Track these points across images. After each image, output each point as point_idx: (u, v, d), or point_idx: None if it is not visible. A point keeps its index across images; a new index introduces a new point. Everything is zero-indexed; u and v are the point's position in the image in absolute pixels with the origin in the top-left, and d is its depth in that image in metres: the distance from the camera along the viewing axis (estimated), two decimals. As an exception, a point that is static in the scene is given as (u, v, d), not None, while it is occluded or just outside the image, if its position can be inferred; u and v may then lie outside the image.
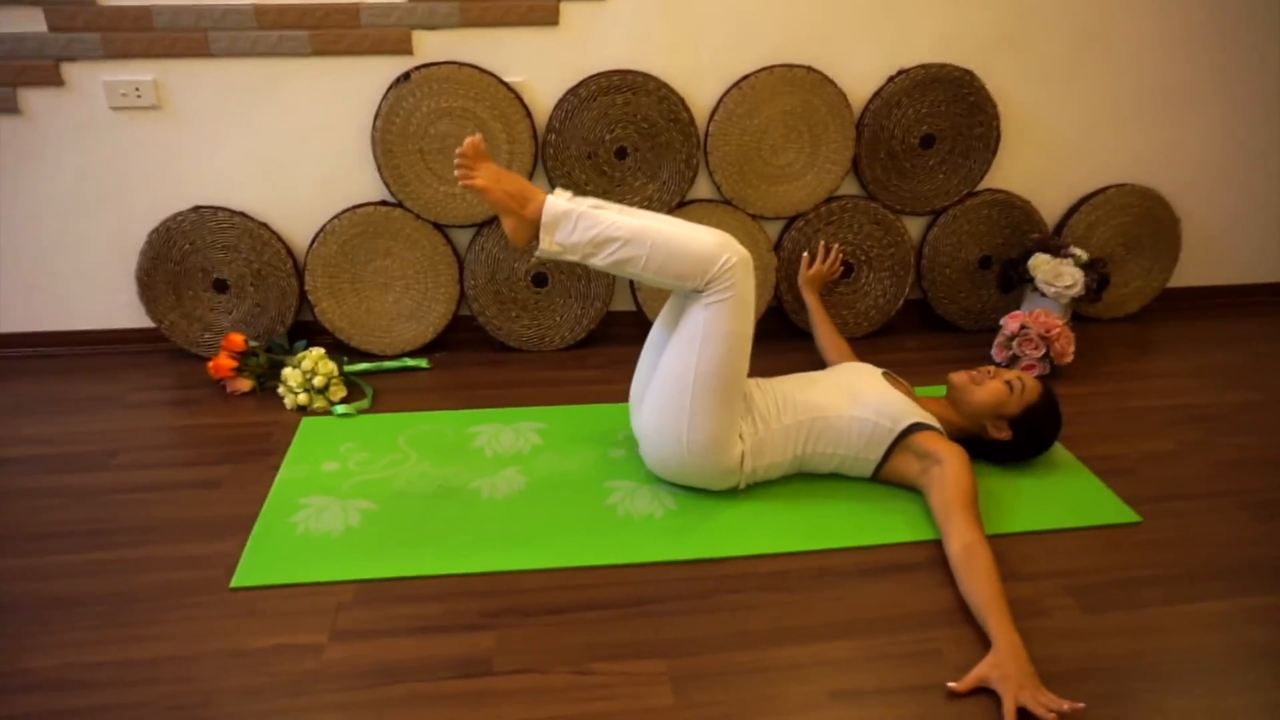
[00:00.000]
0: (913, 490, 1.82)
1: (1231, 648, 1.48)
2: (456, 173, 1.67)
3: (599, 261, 1.67)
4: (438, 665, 1.41)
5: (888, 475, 1.82)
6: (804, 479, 1.87)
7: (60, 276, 2.32)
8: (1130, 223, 2.57)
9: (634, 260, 1.65)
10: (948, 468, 1.70)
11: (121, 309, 2.36)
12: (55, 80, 2.13)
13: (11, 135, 2.17)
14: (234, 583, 1.57)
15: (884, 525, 1.74)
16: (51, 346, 2.38)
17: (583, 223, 1.65)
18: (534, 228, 1.68)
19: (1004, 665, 1.37)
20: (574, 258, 1.67)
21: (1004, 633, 1.42)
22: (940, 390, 1.98)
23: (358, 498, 1.80)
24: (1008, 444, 1.86)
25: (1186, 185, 2.60)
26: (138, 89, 2.16)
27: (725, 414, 1.73)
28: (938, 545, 1.69)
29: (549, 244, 1.67)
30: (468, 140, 1.69)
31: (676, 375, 1.71)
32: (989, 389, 1.85)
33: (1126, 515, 1.79)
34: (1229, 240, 2.71)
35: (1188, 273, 2.73)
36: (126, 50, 2.12)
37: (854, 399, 1.81)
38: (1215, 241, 2.71)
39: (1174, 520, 1.79)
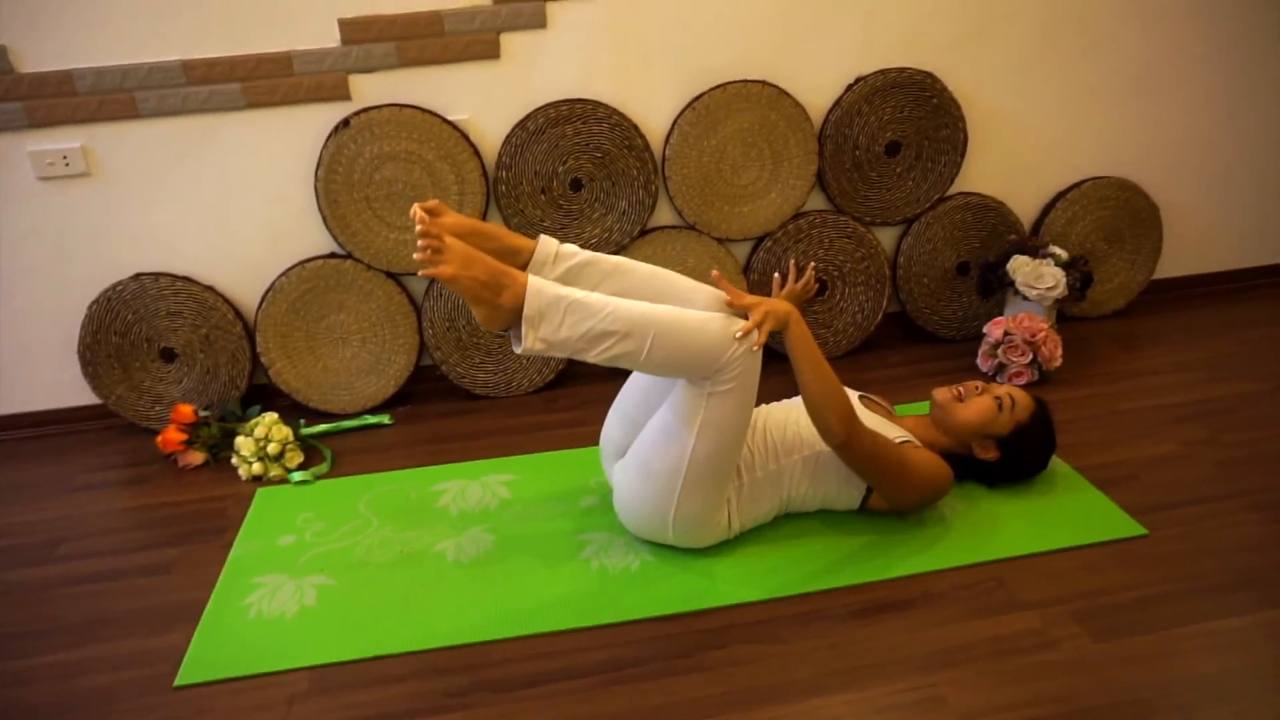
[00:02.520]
0: (902, 515, 1.72)
1: (1260, 666, 1.37)
2: (418, 255, 1.39)
3: (591, 358, 1.46)
4: (399, 758, 1.30)
5: (876, 504, 1.71)
6: (787, 518, 1.75)
7: (1, 357, 2.21)
8: (1109, 216, 2.48)
9: (631, 355, 1.45)
10: (914, 451, 1.64)
11: (66, 386, 2.25)
12: (-22, 154, 2.04)
13: (-63, 215, 2.07)
14: (179, 680, 1.46)
15: (873, 561, 1.63)
16: (-6, 432, 2.28)
17: (571, 316, 1.43)
18: (511, 315, 1.44)
19: (777, 304, 1.52)
20: (561, 354, 1.47)
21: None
22: (925, 407, 1.88)
23: (314, 573, 1.69)
24: (997, 465, 1.76)
25: (1163, 173, 2.51)
26: (65, 157, 2.06)
27: (716, 495, 1.61)
28: (932, 578, 1.58)
29: (532, 341, 1.42)
30: (418, 208, 1.42)
31: (667, 457, 1.55)
32: (975, 407, 1.74)
33: (1132, 528, 1.68)
34: (1212, 225, 2.63)
35: (1173, 263, 2.64)
36: (51, 118, 2.03)
37: None
38: (1198, 228, 2.62)
39: (1184, 529, 1.68)
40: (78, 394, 2.26)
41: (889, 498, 1.66)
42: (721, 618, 1.53)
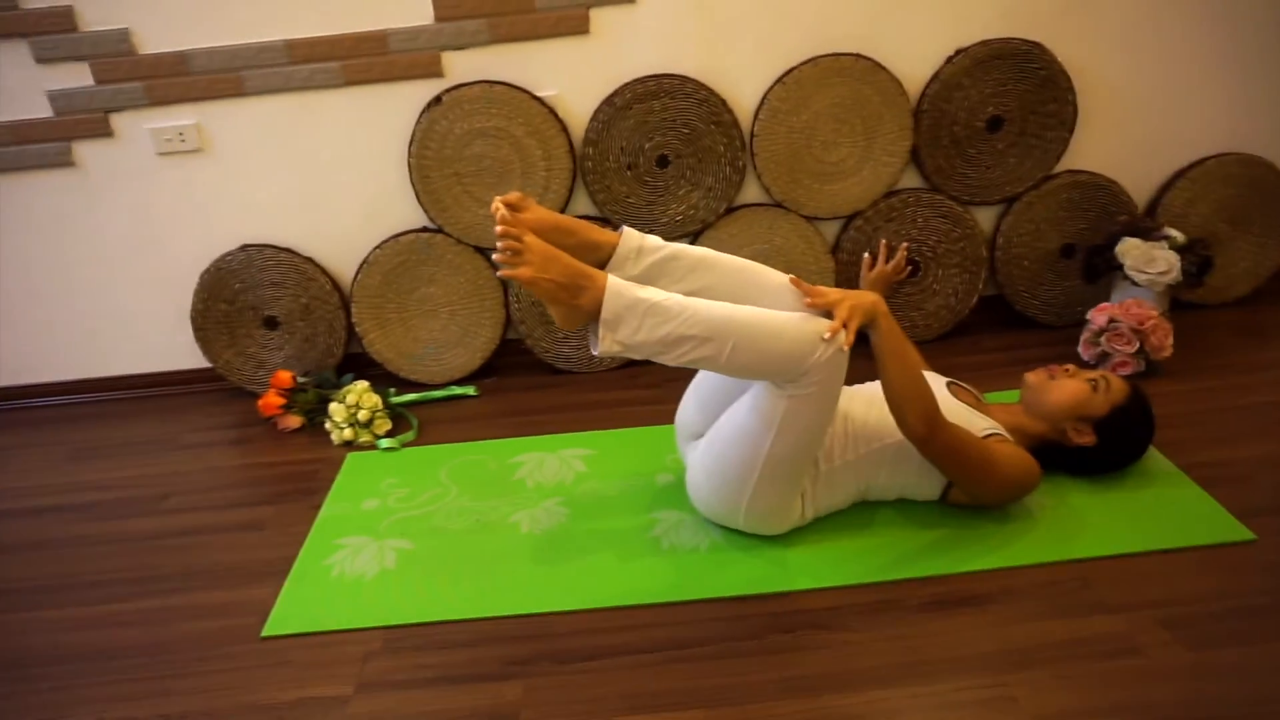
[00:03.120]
0: (985, 509, 1.65)
1: (1369, 690, 1.27)
2: (498, 256, 1.38)
3: (669, 361, 1.44)
4: (462, 720, 1.34)
5: (957, 497, 1.65)
6: (864, 506, 1.71)
7: (120, 321, 2.37)
8: (1235, 195, 2.30)
9: (711, 359, 1.42)
10: (1000, 446, 1.57)
11: (180, 349, 2.39)
12: (105, 131, 2.17)
13: (68, 188, 2.22)
14: (265, 631, 1.54)
15: (951, 553, 1.58)
16: (114, 391, 2.44)
17: (650, 319, 1.39)
18: (589, 316, 1.42)
19: (862, 297, 1.47)
20: (639, 356, 1.45)
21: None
22: (1017, 395, 1.79)
23: (395, 537, 1.75)
24: (1093, 451, 1.67)
25: (1299, 149, 2.32)
26: (181, 133, 2.18)
27: (791, 489, 1.59)
28: (1011, 574, 1.52)
29: (609, 344, 1.40)
30: (499, 202, 1.40)
31: (742, 453, 1.53)
32: (1068, 388, 1.67)
33: (1238, 532, 1.57)
34: (1355, 208, 2.40)
35: (1308, 247, 2.43)
36: (167, 96, 2.15)
37: None
38: (1339, 210, 2.40)
39: (1296, 536, 1.56)
40: (190, 357, 2.40)
41: (970, 494, 1.61)
42: (789, 603, 1.51)
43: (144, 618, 1.61)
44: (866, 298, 1.48)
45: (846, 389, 1.72)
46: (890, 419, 1.59)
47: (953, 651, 1.38)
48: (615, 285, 1.40)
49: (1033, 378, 1.72)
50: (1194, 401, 1.98)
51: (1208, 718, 1.24)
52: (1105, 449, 1.68)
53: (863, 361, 1.70)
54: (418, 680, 1.42)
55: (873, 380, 1.76)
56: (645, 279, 1.49)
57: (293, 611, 1.58)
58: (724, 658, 1.41)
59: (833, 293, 1.49)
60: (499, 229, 1.37)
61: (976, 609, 1.46)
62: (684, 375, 1.82)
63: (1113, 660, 1.34)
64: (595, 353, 1.42)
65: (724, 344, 1.40)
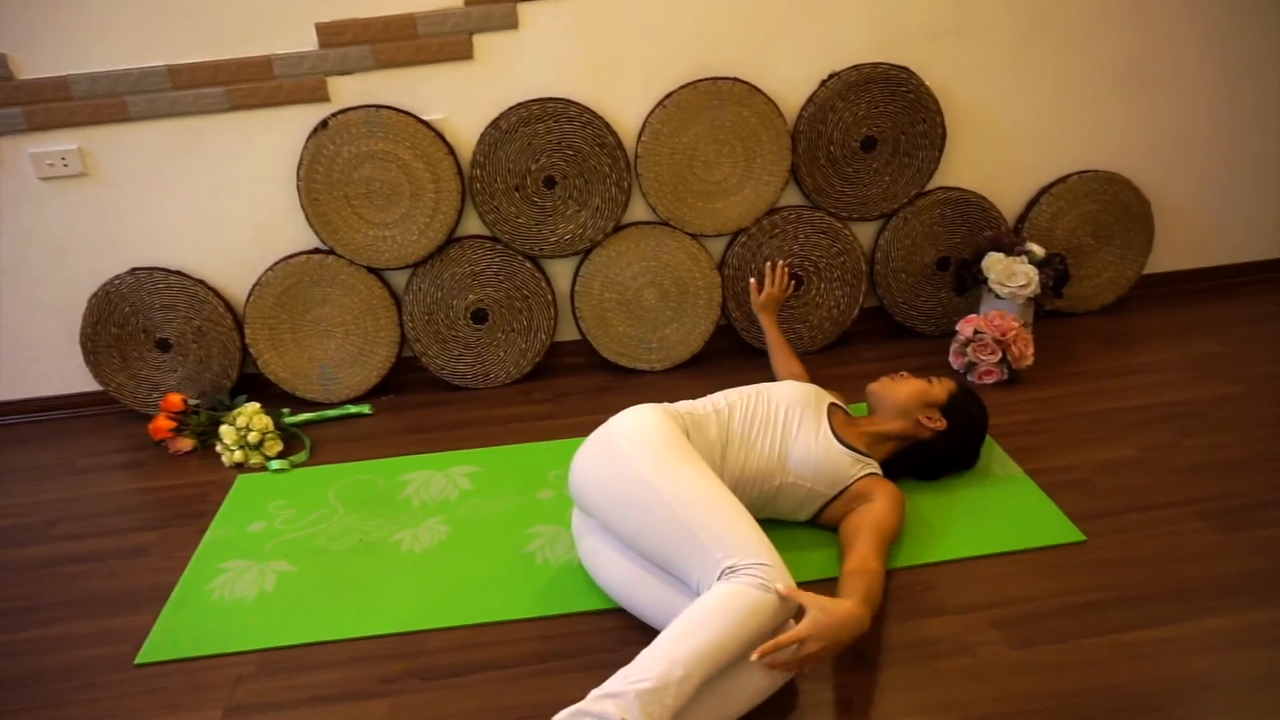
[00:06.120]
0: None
1: (1173, 679, 1.38)
2: None
3: None
4: (326, 739, 1.39)
5: (827, 519, 1.72)
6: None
7: (10, 345, 2.35)
8: (1097, 210, 2.44)
9: None
10: (876, 503, 1.64)
11: (71, 374, 2.38)
12: (-16, 156, 2.16)
13: (-52, 213, 2.20)
14: (139, 659, 1.56)
15: (806, 565, 1.65)
16: (4, 416, 2.42)
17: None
18: None
19: (826, 625, 1.29)
20: None
21: (856, 603, 1.36)
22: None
23: (277, 559, 1.78)
24: (945, 435, 1.77)
25: (1154, 167, 2.45)
26: (64, 158, 2.18)
27: None
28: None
29: None
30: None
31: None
32: (909, 384, 1.82)
33: (1070, 534, 1.68)
34: (1206, 219, 2.56)
35: (1165, 257, 2.58)
36: (49, 121, 2.14)
37: (799, 461, 1.68)
38: (1191, 222, 2.55)
39: (1123, 536, 1.67)
40: (82, 381, 2.39)
41: None
42: (651, 614, 1.58)
43: (21, 649, 1.62)
44: (836, 615, 1.31)
45: (716, 424, 1.70)
46: (770, 461, 1.68)
47: (798, 657, 1.47)
48: None
49: (875, 386, 1.85)
50: (1050, 409, 2.10)
51: (1020, 711, 1.34)
52: (954, 430, 1.79)
53: (751, 372, 1.76)
54: (288, 702, 1.46)
55: (739, 387, 1.83)
56: None
57: (169, 637, 1.61)
58: (586, 670, 1.47)
59: (800, 628, 1.29)
60: None
61: (825, 615, 1.54)
62: (578, 388, 1.84)
63: (944, 660, 1.43)
64: None
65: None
